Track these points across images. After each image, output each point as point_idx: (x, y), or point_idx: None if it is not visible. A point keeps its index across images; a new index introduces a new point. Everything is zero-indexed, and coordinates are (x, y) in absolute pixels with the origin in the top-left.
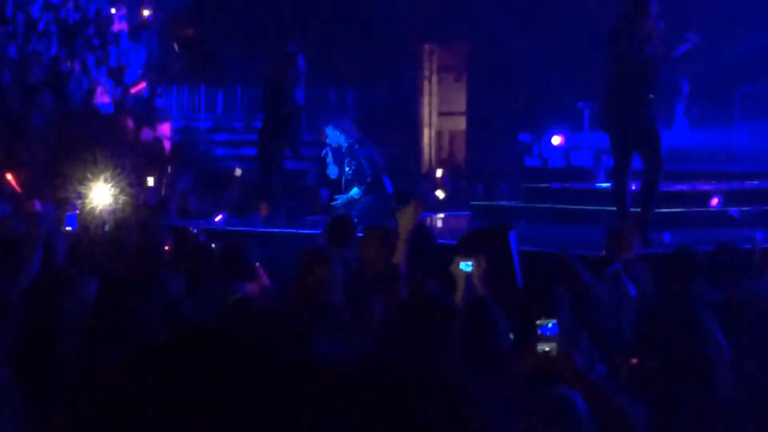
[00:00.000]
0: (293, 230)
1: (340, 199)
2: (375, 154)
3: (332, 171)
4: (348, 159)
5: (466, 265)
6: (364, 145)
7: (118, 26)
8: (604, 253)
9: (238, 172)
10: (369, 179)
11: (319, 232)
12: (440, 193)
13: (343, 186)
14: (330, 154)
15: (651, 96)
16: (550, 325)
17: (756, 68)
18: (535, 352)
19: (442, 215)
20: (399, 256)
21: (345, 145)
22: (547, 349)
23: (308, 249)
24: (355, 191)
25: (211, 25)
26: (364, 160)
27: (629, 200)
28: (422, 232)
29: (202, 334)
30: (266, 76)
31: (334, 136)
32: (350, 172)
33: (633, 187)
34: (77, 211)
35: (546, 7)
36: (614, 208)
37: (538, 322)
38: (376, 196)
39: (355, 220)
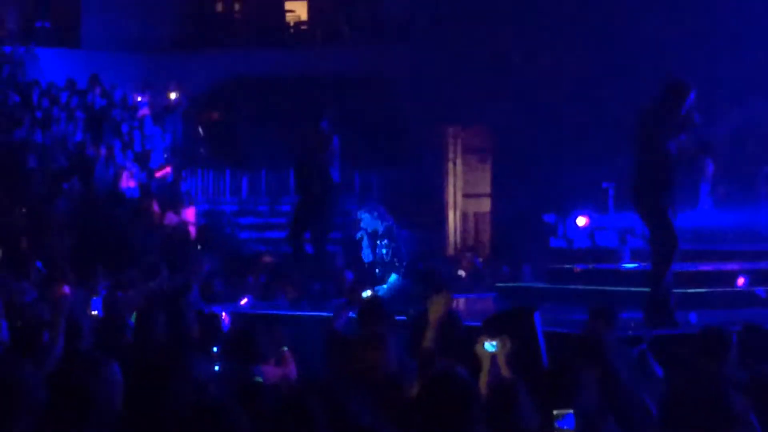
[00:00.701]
0: (319, 313)
1: (380, 290)
2: (406, 239)
3: (366, 255)
4: (387, 241)
5: (490, 346)
6: (399, 230)
7: (143, 111)
8: (585, 332)
9: (267, 259)
10: (405, 263)
11: (331, 315)
12: (462, 272)
13: (379, 271)
14: (366, 238)
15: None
16: (565, 416)
17: None
18: None
19: (467, 297)
20: (428, 344)
21: (382, 228)
22: None
23: (363, 333)
24: (393, 278)
25: (235, 109)
26: (402, 244)
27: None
28: (450, 315)
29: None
30: (300, 154)
31: (369, 220)
32: (388, 254)
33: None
34: (103, 295)
35: (568, 88)
36: (640, 289)
37: (554, 412)
38: (406, 281)
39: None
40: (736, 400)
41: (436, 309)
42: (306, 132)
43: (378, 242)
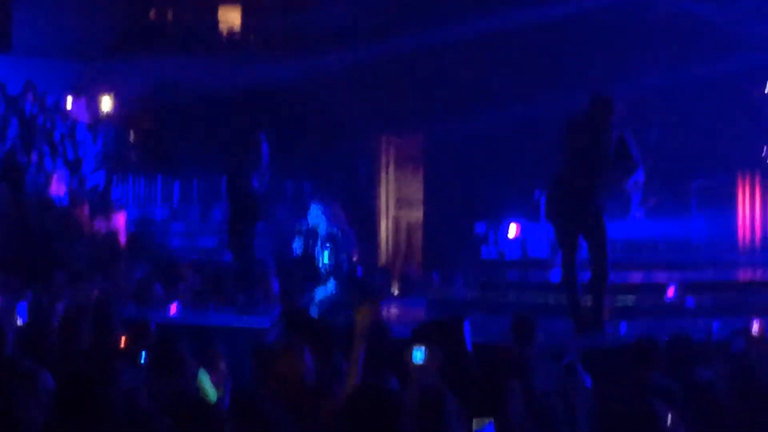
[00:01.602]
0: (246, 324)
1: (317, 295)
2: (353, 245)
3: (297, 247)
4: (329, 246)
5: (419, 355)
6: (347, 234)
7: (76, 117)
8: (510, 344)
9: (186, 268)
10: (345, 273)
11: (269, 325)
12: (396, 290)
13: (319, 275)
14: (303, 232)
15: (599, 187)
16: (485, 426)
17: (711, 160)
18: None
19: (396, 306)
20: (356, 354)
21: (325, 231)
22: None
23: (277, 343)
24: (331, 287)
25: (167, 116)
26: (344, 254)
27: (579, 290)
28: (377, 324)
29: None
30: (230, 163)
31: (316, 217)
32: (330, 262)
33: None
34: (28, 302)
35: (500, 97)
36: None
37: (474, 421)
38: (341, 290)
39: (314, 312)
40: (662, 410)
41: (361, 318)
42: (236, 140)
43: (320, 243)
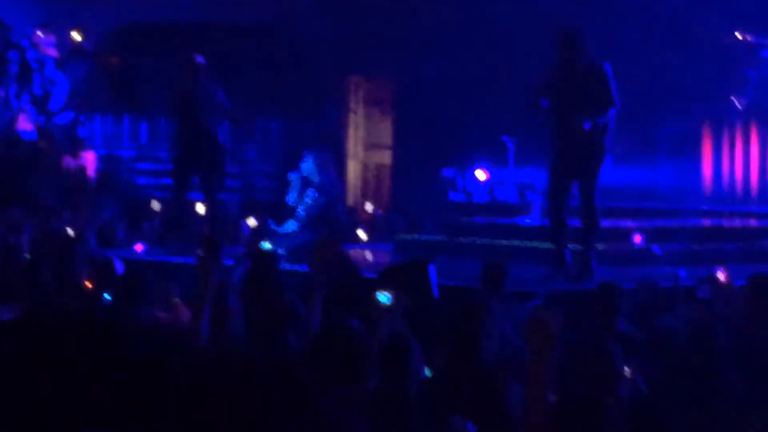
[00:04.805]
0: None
1: (289, 238)
2: (342, 195)
3: (291, 198)
4: (316, 195)
5: (384, 298)
6: (336, 185)
7: (44, 53)
8: (479, 287)
9: (155, 205)
10: (313, 219)
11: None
12: (362, 234)
13: (299, 220)
14: (298, 181)
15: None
16: None
17: (681, 107)
18: None
19: (364, 248)
20: (315, 294)
21: (317, 180)
22: None
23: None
24: (302, 228)
25: (135, 54)
26: (333, 203)
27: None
28: (346, 265)
29: None
30: (181, 107)
31: (309, 168)
32: (312, 208)
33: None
34: None
35: (471, 42)
36: (541, 244)
37: None
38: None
39: (282, 252)
40: (621, 357)
41: (318, 258)
42: (185, 84)
43: (308, 190)
